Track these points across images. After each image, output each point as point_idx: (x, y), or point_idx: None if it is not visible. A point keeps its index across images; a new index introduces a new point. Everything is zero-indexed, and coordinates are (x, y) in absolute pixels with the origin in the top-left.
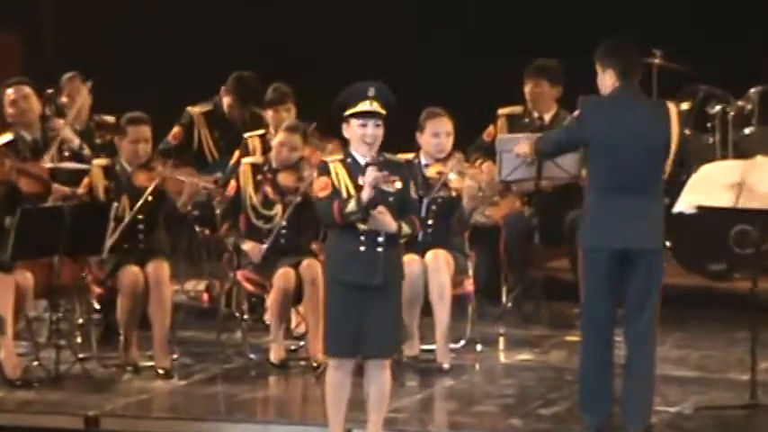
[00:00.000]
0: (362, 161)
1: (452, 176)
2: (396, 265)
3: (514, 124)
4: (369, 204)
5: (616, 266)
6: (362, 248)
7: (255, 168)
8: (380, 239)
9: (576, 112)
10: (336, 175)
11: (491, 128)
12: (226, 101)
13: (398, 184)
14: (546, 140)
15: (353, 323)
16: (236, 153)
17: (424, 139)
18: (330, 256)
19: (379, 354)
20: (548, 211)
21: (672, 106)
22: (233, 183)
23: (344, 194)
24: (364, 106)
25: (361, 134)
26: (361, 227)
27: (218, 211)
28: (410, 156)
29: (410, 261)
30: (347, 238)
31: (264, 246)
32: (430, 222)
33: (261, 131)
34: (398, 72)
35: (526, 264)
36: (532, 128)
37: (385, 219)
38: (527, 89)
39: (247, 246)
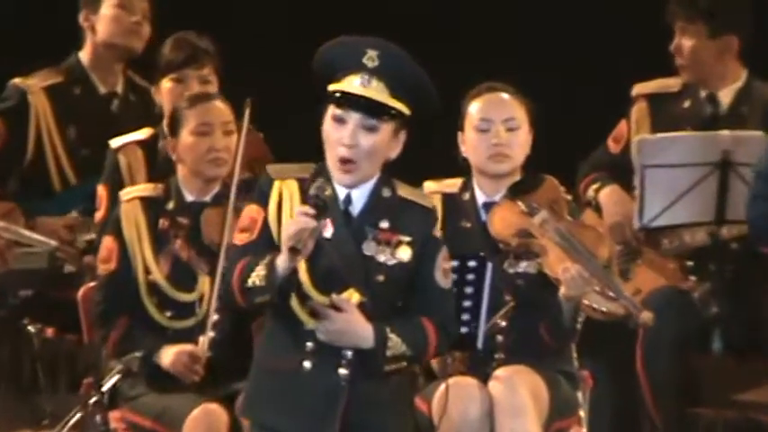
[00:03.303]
0: (341, 192)
1: (542, 235)
2: (385, 410)
3: (664, 111)
4: (288, 282)
5: None
6: (308, 366)
7: (151, 207)
8: (347, 354)
9: None
10: (279, 205)
11: (622, 124)
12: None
13: (404, 253)
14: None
15: None
16: (100, 188)
17: (468, 140)
18: (253, 373)
19: None
20: (739, 288)
21: None
22: (109, 242)
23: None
24: (350, 84)
25: (336, 138)
26: (308, 320)
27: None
28: (453, 185)
29: (463, 390)
30: (283, 338)
31: (204, 346)
32: (502, 323)
33: (140, 134)
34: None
35: (695, 396)
36: (696, 119)
37: (348, 323)
38: (673, 45)
39: (168, 358)
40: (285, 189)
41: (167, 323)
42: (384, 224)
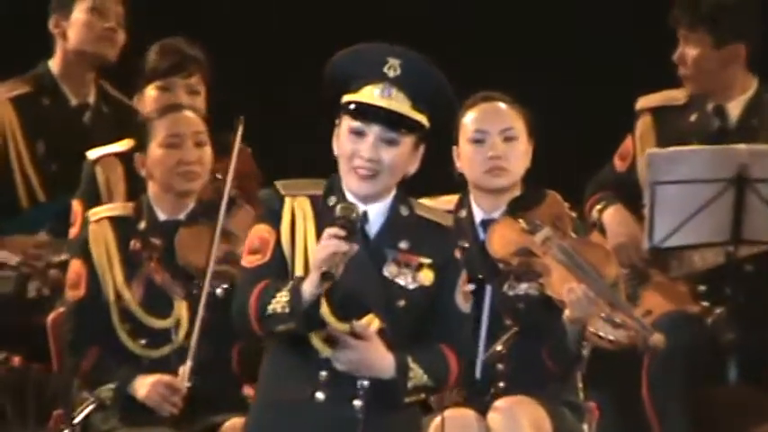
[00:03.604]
0: (361, 207)
1: (545, 254)
2: None
3: (669, 125)
4: (312, 309)
5: None
6: (321, 397)
7: (121, 227)
8: (363, 384)
9: None
10: (292, 225)
11: (628, 141)
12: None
13: (426, 277)
14: None
15: None
16: (75, 203)
17: (463, 153)
18: (256, 404)
19: None
20: (755, 312)
21: None
22: (77, 265)
23: (295, 272)
24: (369, 94)
25: (353, 150)
26: (323, 348)
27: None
28: (449, 202)
29: (460, 422)
30: (294, 367)
31: (184, 376)
32: (502, 350)
33: (120, 146)
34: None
35: (710, 429)
36: (703, 133)
37: (369, 352)
38: (676, 54)
39: (143, 388)
40: (297, 207)
41: (141, 351)
42: (403, 245)
